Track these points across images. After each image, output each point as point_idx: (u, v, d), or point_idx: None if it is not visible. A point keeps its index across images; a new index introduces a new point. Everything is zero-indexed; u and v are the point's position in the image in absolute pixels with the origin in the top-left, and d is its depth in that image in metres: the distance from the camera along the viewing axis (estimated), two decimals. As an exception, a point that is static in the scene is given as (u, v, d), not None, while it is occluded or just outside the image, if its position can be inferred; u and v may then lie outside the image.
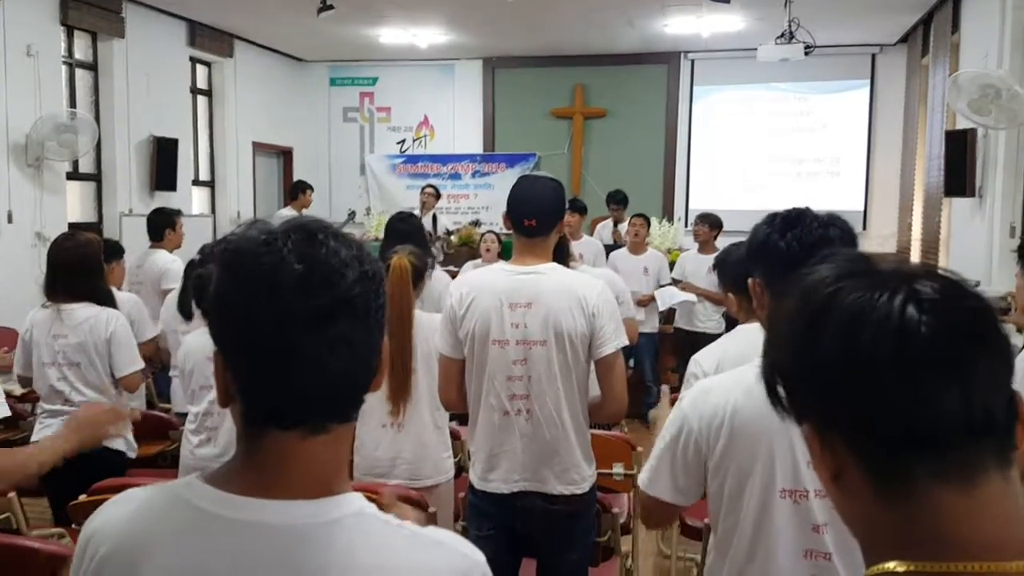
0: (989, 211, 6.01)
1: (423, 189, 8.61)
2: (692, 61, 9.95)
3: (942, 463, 0.70)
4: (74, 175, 7.25)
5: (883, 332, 0.70)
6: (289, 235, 0.88)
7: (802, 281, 0.79)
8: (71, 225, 6.83)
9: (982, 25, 6.32)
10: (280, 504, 0.87)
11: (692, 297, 6.26)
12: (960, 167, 6.18)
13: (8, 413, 1.87)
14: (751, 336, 1.77)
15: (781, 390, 0.80)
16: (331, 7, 7.30)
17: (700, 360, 2.24)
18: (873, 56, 9.53)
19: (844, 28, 8.43)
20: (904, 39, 9.06)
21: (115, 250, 4.61)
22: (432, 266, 3.26)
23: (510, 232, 2.52)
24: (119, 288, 4.41)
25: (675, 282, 6.48)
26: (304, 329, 0.86)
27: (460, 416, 3.29)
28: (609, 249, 6.97)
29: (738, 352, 1.89)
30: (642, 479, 1.71)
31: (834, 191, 9.53)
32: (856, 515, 0.75)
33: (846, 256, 0.80)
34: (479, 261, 6.22)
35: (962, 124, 6.22)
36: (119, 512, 0.93)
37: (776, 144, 9.84)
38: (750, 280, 1.70)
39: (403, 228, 4.16)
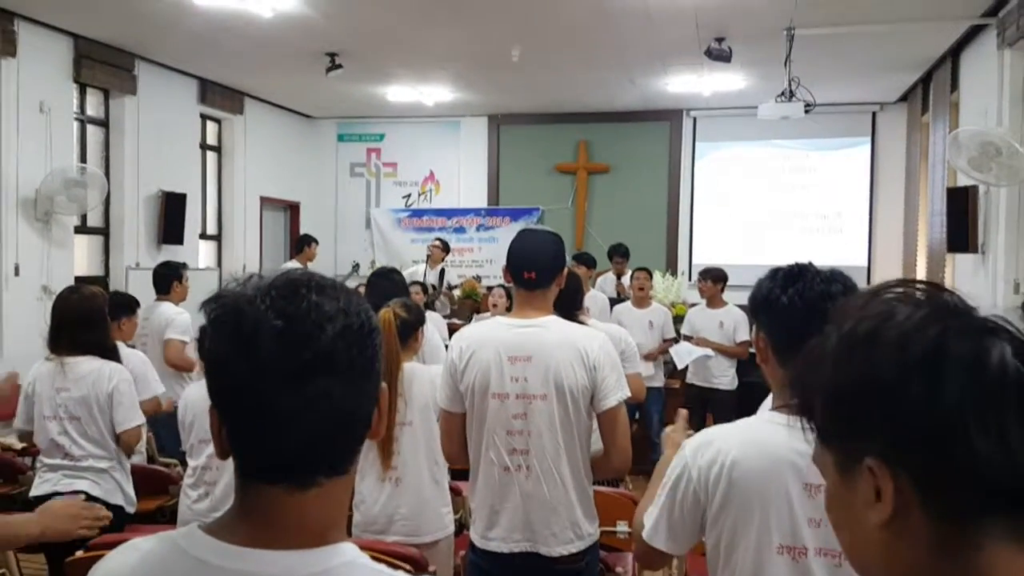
0: (992, 267, 6.02)
1: (433, 241, 8.65)
2: (694, 118, 10.08)
3: (1020, 519, 0.69)
4: (82, 229, 7.32)
5: (1007, 382, 0.69)
6: (270, 291, 0.89)
7: (876, 320, 0.76)
8: (78, 278, 6.87)
9: (981, 83, 6.41)
10: (275, 554, 0.87)
11: (709, 352, 6.24)
12: (962, 223, 6.21)
13: None
14: None
15: (813, 424, 0.79)
16: (340, 66, 7.44)
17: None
18: (874, 114, 9.65)
19: (844, 87, 8.55)
20: (904, 97, 9.18)
21: (127, 305, 4.52)
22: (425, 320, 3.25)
23: (510, 285, 2.53)
24: (129, 342, 4.39)
25: (685, 338, 6.47)
26: (283, 385, 0.86)
27: (460, 472, 3.25)
28: (613, 302, 6.98)
29: None
30: (646, 530, 1.70)
31: (837, 247, 9.56)
32: (897, 561, 0.74)
33: (931, 297, 0.77)
34: (487, 315, 6.20)
35: (963, 181, 6.26)
36: (120, 564, 0.93)
37: (779, 200, 9.90)
38: (752, 335, 1.70)
39: (383, 284, 4.12)
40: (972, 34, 6.61)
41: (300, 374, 0.86)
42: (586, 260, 7.05)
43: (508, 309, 6.18)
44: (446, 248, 8.70)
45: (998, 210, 5.96)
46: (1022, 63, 5.77)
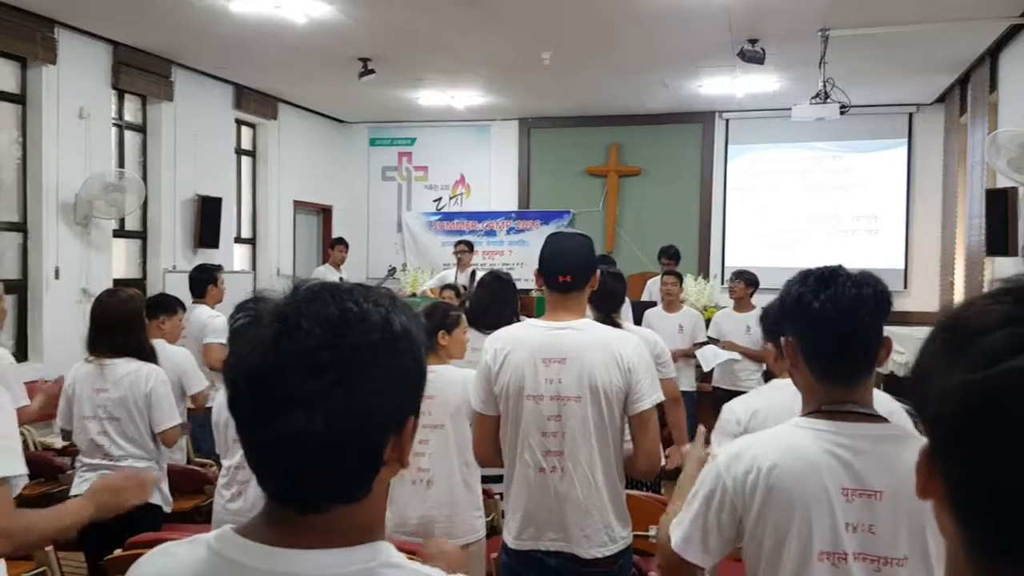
0: (1033, 270, 5.89)
1: (456, 245, 8.58)
2: (727, 120, 10.01)
3: None
4: (120, 232, 7.44)
5: None
6: (264, 320, 0.88)
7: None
8: (116, 281, 6.99)
9: (1020, 84, 6.30)
10: (310, 554, 0.87)
11: (735, 355, 6.20)
12: (1002, 226, 6.10)
13: (25, 471, 1.87)
14: (791, 391, 1.75)
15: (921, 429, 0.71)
16: (372, 71, 7.50)
17: (735, 408, 2.24)
18: (910, 115, 9.51)
19: (880, 88, 8.45)
20: (941, 98, 9.05)
21: (167, 305, 4.53)
22: (458, 323, 3.27)
23: (540, 289, 2.53)
24: (173, 342, 4.43)
25: (712, 341, 6.43)
26: (255, 421, 0.87)
27: (492, 476, 3.25)
28: (645, 305, 6.95)
29: (778, 404, 1.87)
30: (675, 540, 1.66)
31: (873, 249, 9.44)
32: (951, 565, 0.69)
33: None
34: None
35: (1003, 183, 6.15)
36: (154, 568, 0.94)
37: (814, 202, 9.80)
38: (783, 339, 1.68)
39: (494, 286, 4.30)
40: (1011, 34, 6.50)
41: (268, 412, 0.85)
42: (609, 263, 7.03)
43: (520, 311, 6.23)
44: (471, 248, 8.69)
45: (1039, 212, 5.85)
46: (1064, 62, 5.67)
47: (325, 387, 0.84)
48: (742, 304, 6.44)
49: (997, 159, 5.55)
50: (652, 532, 3.20)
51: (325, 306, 0.88)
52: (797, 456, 1.56)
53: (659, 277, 8.09)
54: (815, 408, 1.61)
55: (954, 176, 8.42)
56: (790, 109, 7.09)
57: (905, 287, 9.33)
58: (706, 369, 6.35)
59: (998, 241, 6.18)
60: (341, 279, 8.45)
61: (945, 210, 8.85)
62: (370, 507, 0.92)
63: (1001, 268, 6.77)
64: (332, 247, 9.08)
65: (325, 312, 0.87)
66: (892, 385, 5.49)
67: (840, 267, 1.65)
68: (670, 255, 7.99)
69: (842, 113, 6.81)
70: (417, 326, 0.94)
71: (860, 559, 1.52)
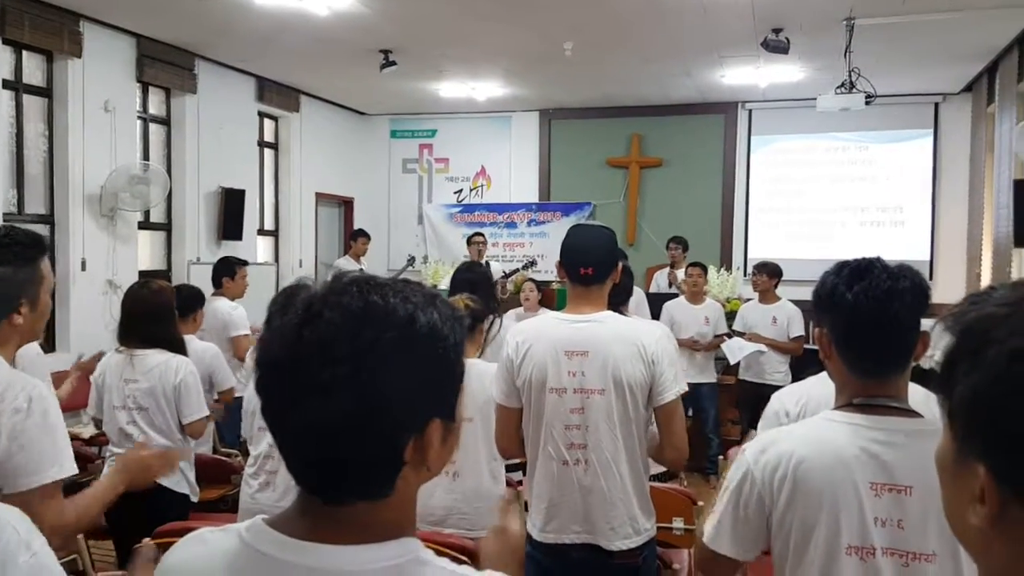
0: (1062, 262, 5.82)
1: (472, 238, 8.51)
2: (750, 111, 9.94)
3: None
4: (145, 224, 7.51)
5: None
6: (297, 310, 0.88)
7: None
8: (141, 273, 7.05)
9: (1050, 72, 6.20)
10: (339, 549, 0.88)
11: (761, 347, 6.18)
12: (1030, 217, 6.02)
13: (76, 472, 1.94)
14: None
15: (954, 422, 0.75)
16: (394, 63, 7.51)
17: (784, 398, 2.23)
18: (936, 105, 9.40)
19: (906, 77, 8.35)
20: (968, 88, 8.93)
21: (198, 298, 4.61)
22: (495, 316, 3.28)
23: (561, 281, 2.53)
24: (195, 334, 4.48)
25: (737, 334, 6.41)
26: (278, 409, 0.89)
27: (516, 466, 3.27)
28: (667, 297, 6.93)
29: (823, 394, 1.86)
30: (706, 533, 1.67)
31: (899, 240, 9.35)
32: (994, 554, 0.72)
33: None
34: (521, 311, 6.22)
35: (1031, 173, 6.07)
36: (187, 555, 0.96)
37: (838, 193, 9.72)
38: (816, 330, 1.67)
39: (469, 278, 4.20)
40: (1041, 21, 6.40)
41: (288, 400, 0.87)
42: (621, 256, 7.00)
43: (540, 303, 6.23)
44: (485, 240, 8.66)
45: (1069, 203, 5.77)
46: (1095, 50, 5.57)
47: (340, 377, 0.84)
48: (767, 296, 6.42)
49: (1026, 149, 5.48)
50: (676, 524, 3.21)
51: (350, 298, 0.88)
52: (826, 450, 1.55)
53: (667, 269, 8.09)
54: (847, 401, 1.60)
55: (981, 167, 8.31)
56: (814, 99, 7.03)
57: (931, 279, 9.22)
58: (732, 362, 6.33)
59: (1026, 232, 6.10)
60: (361, 270, 8.47)
61: (972, 201, 8.74)
62: (397, 506, 0.91)
63: (1029, 260, 6.69)
64: (355, 239, 9.10)
65: (349, 304, 0.88)
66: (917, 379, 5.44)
67: (877, 259, 1.63)
68: (676, 240, 8.00)
69: (867, 103, 6.74)
70: (452, 327, 0.92)
71: (888, 554, 1.51)
